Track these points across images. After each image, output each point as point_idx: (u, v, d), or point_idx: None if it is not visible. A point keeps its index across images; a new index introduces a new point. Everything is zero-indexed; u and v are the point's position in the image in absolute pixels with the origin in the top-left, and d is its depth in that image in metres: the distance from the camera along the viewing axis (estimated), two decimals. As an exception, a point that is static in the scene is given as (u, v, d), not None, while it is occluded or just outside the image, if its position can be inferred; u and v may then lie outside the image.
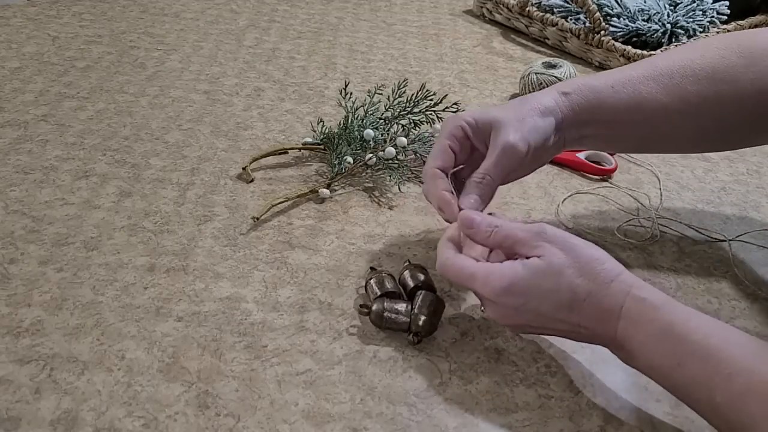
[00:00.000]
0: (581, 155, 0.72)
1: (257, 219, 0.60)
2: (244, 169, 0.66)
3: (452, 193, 0.52)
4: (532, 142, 0.51)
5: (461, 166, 0.54)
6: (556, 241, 0.45)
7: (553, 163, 0.73)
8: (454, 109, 0.70)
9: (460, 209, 0.50)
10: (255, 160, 0.68)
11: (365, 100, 0.72)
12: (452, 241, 0.50)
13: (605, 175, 0.72)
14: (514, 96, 0.88)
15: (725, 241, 0.63)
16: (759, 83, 0.53)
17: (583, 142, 0.57)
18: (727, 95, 0.53)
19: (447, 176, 0.52)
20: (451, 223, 0.51)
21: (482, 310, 0.51)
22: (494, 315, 0.47)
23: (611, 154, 0.73)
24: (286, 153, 0.71)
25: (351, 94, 0.72)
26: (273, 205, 0.61)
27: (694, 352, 0.39)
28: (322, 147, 0.70)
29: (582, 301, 0.43)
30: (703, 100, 0.54)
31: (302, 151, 0.71)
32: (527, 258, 0.45)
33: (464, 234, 0.49)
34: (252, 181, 0.66)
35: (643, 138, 0.57)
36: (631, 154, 0.76)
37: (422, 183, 0.55)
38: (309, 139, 0.71)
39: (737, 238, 0.63)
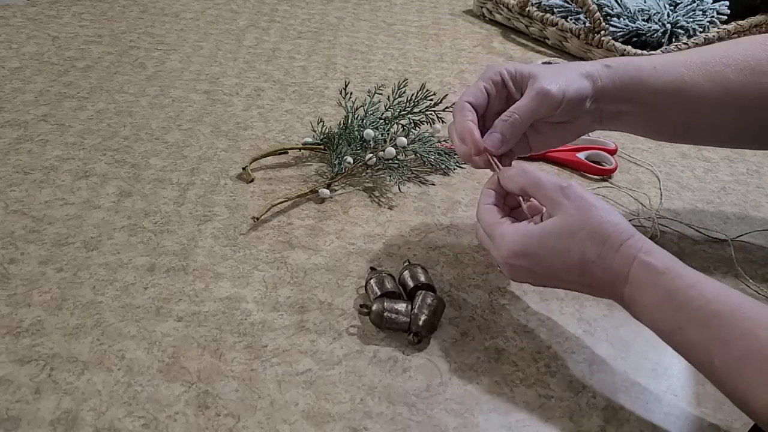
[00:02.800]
0: (581, 155, 0.73)
1: (257, 219, 0.60)
2: (244, 169, 0.66)
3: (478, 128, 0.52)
4: (567, 94, 0.51)
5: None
6: (574, 199, 0.45)
7: (553, 162, 0.73)
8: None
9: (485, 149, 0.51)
10: (255, 160, 0.68)
11: (365, 100, 0.72)
12: (494, 189, 0.51)
13: (605, 175, 0.72)
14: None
15: (728, 241, 0.63)
16: None
17: (622, 120, 0.57)
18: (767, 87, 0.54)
19: (476, 115, 0.52)
20: (467, 161, 0.52)
21: (499, 270, 0.53)
22: (509, 275, 0.49)
23: (612, 154, 0.73)
24: (286, 153, 0.71)
25: (351, 94, 0.72)
26: (273, 205, 0.61)
27: (694, 318, 0.40)
28: (322, 147, 0.70)
29: (591, 263, 0.44)
30: (745, 91, 0.54)
31: (302, 151, 0.71)
32: (544, 215, 0.47)
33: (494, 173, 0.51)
34: (252, 181, 0.66)
35: (683, 125, 0.57)
36: (632, 154, 0.76)
37: (452, 118, 0.54)
38: (309, 139, 0.71)
39: (738, 238, 0.63)
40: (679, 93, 0.54)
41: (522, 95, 0.53)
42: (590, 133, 0.79)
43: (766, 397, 0.36)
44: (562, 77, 0.52)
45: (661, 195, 0.69)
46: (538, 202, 0.48)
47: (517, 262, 0.46)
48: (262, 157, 0.69)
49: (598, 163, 0.73)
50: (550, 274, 0.46)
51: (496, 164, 0.51)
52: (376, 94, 0.72)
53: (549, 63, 0.83)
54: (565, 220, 0.45)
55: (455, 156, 0.71)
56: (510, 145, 0.52)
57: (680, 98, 0.54)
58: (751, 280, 0.58)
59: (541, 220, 0.47)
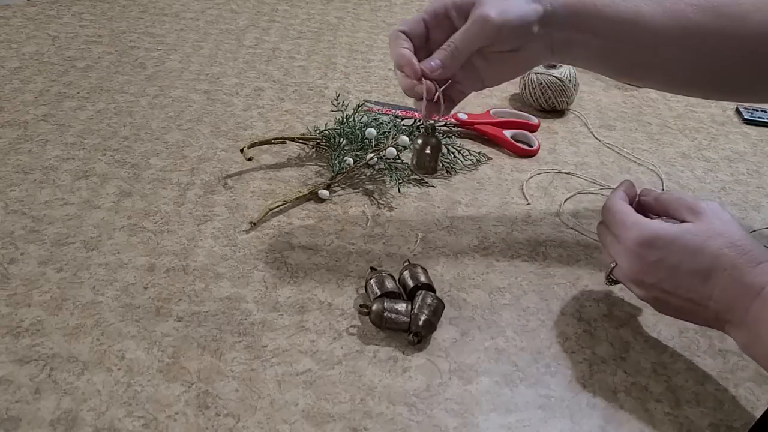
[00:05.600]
0: (507, 133, 0.76)
1: (254, 224, 0.60)
2: (242, 150, 0.65)
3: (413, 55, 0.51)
4: (509, 19, 0.50)
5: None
6: (718, 215, 0.45)
7: (481, 137, 0.77)
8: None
9: (424, 75, 0.50)
10: (253, 145, 0.68)
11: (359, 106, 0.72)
12: (627, 194, 0.51)
13: (528, 155, 0.74)
14: (514, 96, 0.88)
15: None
16: (766, 26, 0.51)
17: (574, 51, 0.54)
18: (730, 31, 0.52)
19: (413, 45, 0.52)
20: (409, 92, 0.51)
21: (609, 277, 0.50)
22: (628, 267, 0.47)
23: (533, 130, 0.77)
24: (284, 143, 0.71)
25: (343, 102, 0.72)
26: (270, 209, 0.61)
27: None
28: (319, 139, 0.70)
29: (722, 271, 0.43)
30: (705, 32, 0.52)
31: (302, 146, 0.71)
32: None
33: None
34: (251, 159, 0.65)
35: (639, 61, 0.55)
36: (632, 154, 0.76)
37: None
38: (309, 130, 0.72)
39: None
40: (635, 25, 0.52)
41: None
42: (514, 109, 0.82)
43: None
44: (506, 2, 0.50)
45: (661, 195, 0.69)
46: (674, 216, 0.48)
47: (643, 251, 0.45)
48: (261, 143, 0.69)
49: (524, 143, 0.76)
50: (670, 275, 0.45)
51: (439, 96, 0.50)
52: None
53: (549, 63, 0.83)
54: (705, 224, 0.45)
55: (461, 156, 0.71)
56: (449, 72, 0.51)
57: (636, 31, 0.52)
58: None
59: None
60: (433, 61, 0.51)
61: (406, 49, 0.51)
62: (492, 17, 0.49)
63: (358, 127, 0.69)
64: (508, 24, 0.50)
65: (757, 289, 0.42)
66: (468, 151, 0.72)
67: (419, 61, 0.51)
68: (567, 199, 0.68)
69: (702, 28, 0.52)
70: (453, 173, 0.70)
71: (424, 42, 0.53)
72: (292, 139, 0.71)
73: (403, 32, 0.52)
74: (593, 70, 0.59)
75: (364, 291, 0.53)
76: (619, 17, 0.52)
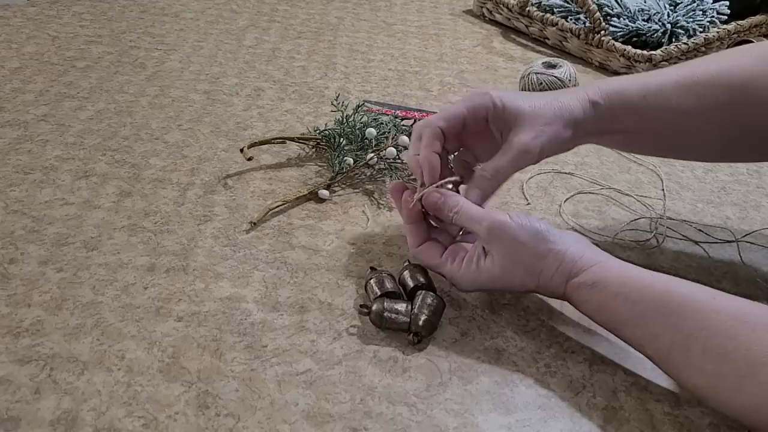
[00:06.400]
0: None
1: (254, 224, 0.60)
2: (242, 150, 0.65)
3: (440, 163, 0.52)
4: (547, 149, 0.52)
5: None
6: (503, 243, 0.48)
7: None
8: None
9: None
10: (253, 145, 0.68)
11: (358, 107, 0.72)
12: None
13: None
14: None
15: (728, 241, 0.63)
16: None
17: (598, 140, 0.58)
18: (759, 100, 0.52)
19: (444, 138, 0.52)
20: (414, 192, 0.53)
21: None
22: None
23: None
24: (284, 143, 0.71)
25: (343, 102, 0.72)
26: (270, 209, 0.61)
27: (624, 321, 0.46)
28: (319, 138, 0.70)
29: (533, 287, 0.50)
30: (731, 107, 0.53)
31: (302, 146, 0.71)
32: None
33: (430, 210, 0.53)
34: (251, 159, 0.65)
35: (664, 145, 0.58)
36: (632, 154, 0.76)
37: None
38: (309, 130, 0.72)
39: (743, 238, 0.63)
40: (664, 119, 0.54)
41: (500, 135, 0.53)
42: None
43: (694, 379, 0.42)
44: (546, 132, 0.51)
45: (664, 195, 0.69)
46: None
47: (473, 290, 0.53)
48: (261, 143, 0.69)
49: None
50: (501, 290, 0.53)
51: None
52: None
53: (549, 63, 0.83)
54: (501, 266, 0.49)
55: None
56: (487, 199, 0.53)
57: (666, 124, 0.54)
58: (759, 279, 0.58)
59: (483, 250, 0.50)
60: (476, 193, 0.52)
61: (436, 155, 0.51)
62: (532, 150, 0.51)
63: (358, 127, 0.69)
64: (546, 151, 0.52)
65: (561, 293, 0.49)
66: (468, 151, 0.72)
67: (444, 151, 0.53)
68: (567, 199, 0.68)
69: (730, 105, 0.53)
70: (453, 173, 0.70)
71: (458, 132, 0.53)
72: (292, 139, 0.71)
73: (443, 129, 0.52)
74: (614, 149, 0.63)
75: (364, 291, 0.53)
76: (650, 115, 0.54)
